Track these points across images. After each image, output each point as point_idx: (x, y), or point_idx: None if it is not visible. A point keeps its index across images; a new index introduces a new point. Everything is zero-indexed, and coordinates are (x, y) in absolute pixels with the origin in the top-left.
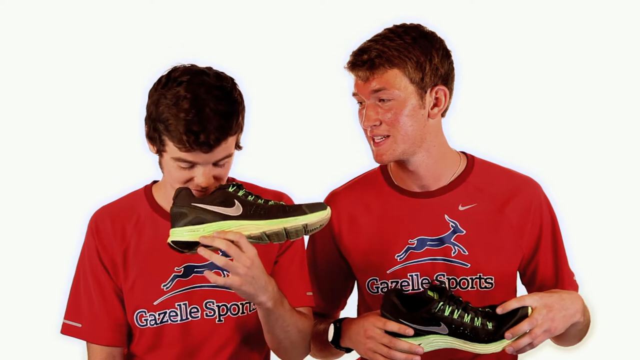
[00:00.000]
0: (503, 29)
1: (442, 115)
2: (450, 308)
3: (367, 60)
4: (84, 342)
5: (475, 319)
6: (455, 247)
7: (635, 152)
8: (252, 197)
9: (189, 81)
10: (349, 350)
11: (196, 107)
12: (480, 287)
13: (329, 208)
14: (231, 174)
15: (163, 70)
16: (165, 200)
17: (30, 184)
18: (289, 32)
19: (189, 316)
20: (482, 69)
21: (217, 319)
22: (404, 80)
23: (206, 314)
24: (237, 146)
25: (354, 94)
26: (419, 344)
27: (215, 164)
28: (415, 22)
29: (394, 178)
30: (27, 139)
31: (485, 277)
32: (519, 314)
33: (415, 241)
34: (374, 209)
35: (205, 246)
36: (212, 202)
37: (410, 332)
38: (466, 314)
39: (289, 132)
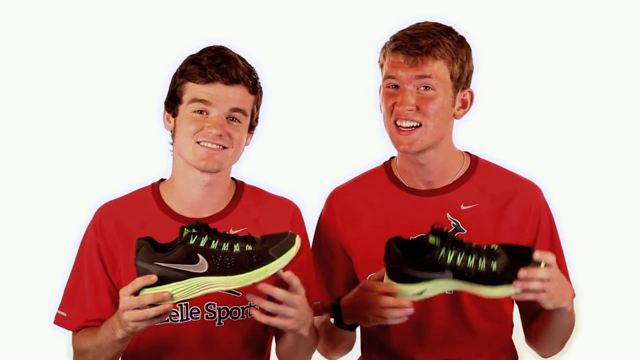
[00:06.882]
0: (508, 30)
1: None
2: (453, 253)
3: (423, 46)
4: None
5: (480, 260)
6: None
7: None
8: (215, 242)
9: (212, 47)
10: (352, 328)
11: (219, 51)
12: None
13: (298, 239)
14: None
15: (170, 68)
16: (172, 198)
17: (37, 177)
18: (288, 33)
19: (189, 317)
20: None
21: (217, 322)
22: (447, 74)
23: (206, 315)
24: (252, 124)
25: (390, 77)
26: (424, 290)
27: (230, 119)
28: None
29: (400, 174)
30: (32, 132)
31: None
32: (532, 261)
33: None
34: (377, 205)
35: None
36: (175, 260)
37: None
38: (470, 257)
39: (291, 133)
